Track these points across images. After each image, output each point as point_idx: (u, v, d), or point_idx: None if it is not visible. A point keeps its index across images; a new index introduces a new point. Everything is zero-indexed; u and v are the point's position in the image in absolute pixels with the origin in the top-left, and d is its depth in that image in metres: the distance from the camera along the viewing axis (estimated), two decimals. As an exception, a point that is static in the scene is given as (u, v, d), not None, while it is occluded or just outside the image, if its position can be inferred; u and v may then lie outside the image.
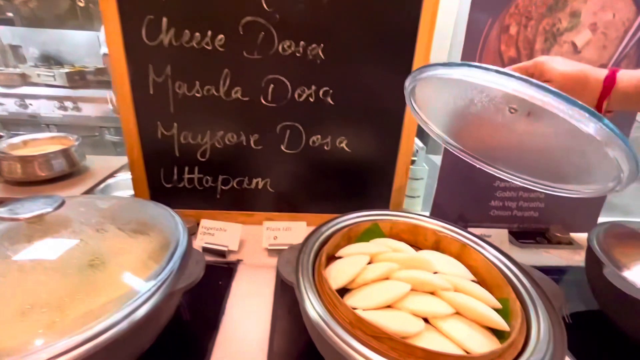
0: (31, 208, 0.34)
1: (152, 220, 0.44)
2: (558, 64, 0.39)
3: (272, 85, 0.62)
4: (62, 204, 0.36)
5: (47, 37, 2.74)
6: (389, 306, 0.36)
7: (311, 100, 0.64)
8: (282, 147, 0.67)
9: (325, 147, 0.68)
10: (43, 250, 0.34)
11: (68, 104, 2.24)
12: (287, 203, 0.72)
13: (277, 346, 0.45)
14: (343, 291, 0.39)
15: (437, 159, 0.75)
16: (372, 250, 0.43)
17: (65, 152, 0.58)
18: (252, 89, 0.63)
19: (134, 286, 0.34)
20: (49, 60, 2.75)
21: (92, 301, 0.32)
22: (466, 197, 0.71)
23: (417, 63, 0.61)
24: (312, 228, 0.48)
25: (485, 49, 0.61)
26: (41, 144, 0.62)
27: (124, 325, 0.30)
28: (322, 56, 0.61)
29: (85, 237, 0.37)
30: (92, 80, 2.48)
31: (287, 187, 0.71)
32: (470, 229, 0.65)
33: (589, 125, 0.30)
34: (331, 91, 0.63)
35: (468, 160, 0.51)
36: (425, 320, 0.35)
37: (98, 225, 0.39)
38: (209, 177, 0.69)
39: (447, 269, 0.42)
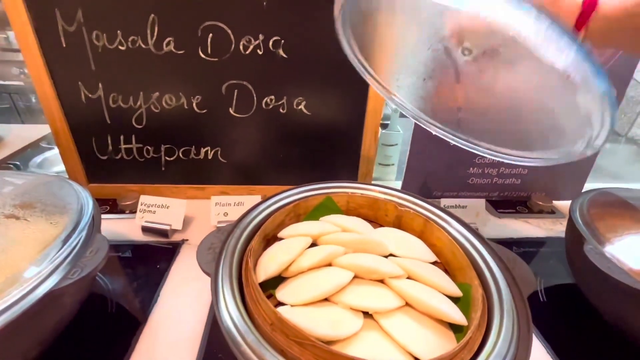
0: None
1: (53, 200, 0.36)
2: None
3: (210, 35, 0.52)
4: None
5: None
6: (326, 299, 0.30)
7: (259, 52, 0.54)
8: (231, 111, 0.58)
9: (281, 110, 0.59)
10: None
11: (26, 70, 2.05)
12: (242, 175, 0.64)
13: (212, 339, 0.39)
14: (279, 282, 0.33)
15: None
16: (316, 230, 0.37)
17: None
18: (187, 40, 0.52)
19: (16, 276, 0.27)
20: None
21: None
22: (442, 164, 0.64)
23: None
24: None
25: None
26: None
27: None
28: (269, -4, 0.50)
29: None
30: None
31: (241, 157, 0.63)
32: (445, 200, 0.59)
33: (559, 55, 0.21)
34: (282, 41, 0.53)
35: (422, 125, 0.42)
36: (370, 315, 0.29)
37: None
38: (149, 147, 0.60)
39: (405, 251, 0.36)
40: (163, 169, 0.62)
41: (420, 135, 0.61)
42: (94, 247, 0.33)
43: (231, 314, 0.27)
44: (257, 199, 0.58)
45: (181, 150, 0.61)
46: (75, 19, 0.49)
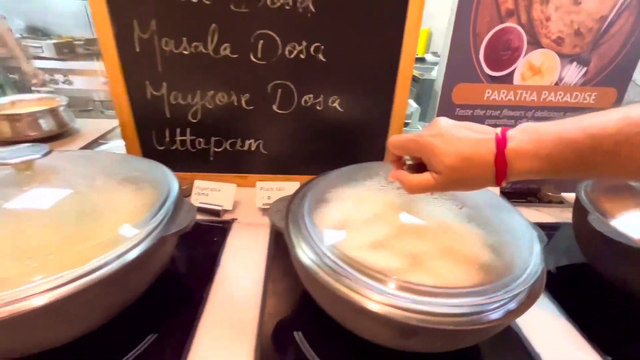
0: (19, 154, 0.34)
1: (143, 173, 0.44)
2: (443, 152, 0.30)
3: (261, 41, 0.60)
4: (49, 152, 0.36)
5: (30, 7, 2.63)
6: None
7: (302, 57, 0.62)
8: (274, 107, 0.66)
9: (318, 107, 0.67)
10: (35, 198, 0.35)
11: (58, 76, 2.19)
12: (280, 165, 0.72)
13: (270, 293, 0.46)
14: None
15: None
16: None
17: (53, 112, 0.57)
18: (241, 45, 0.61)
19: (127, 231, 0.34)
20: (36, 32, 2.65)
21: (86, 245, 0.33)
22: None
23: (411, 14, 0.59)
24: (302, 182, 0.48)
25: (482, 0, 0.59)
26: (29, 104, 0.61)
27: (117, 264, 0.31)
28: (313, 9, 0.58)
29: (76, 186, 0.37)
30: (82, 52, 2.40)
31: (280, 149, 0.71)
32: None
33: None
34: (322, 47, 0.61)
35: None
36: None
37: (88, 176, 0.39)
38: (201, 139, 0.69)
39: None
40: (211, 159, 0.70)
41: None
42: (185, 207, 0.41)
43: (307, 254, 0.34)
44: (296, 184, 0.66)
45: (228, 142, 0.69)
46: (149, 28, 0.58)
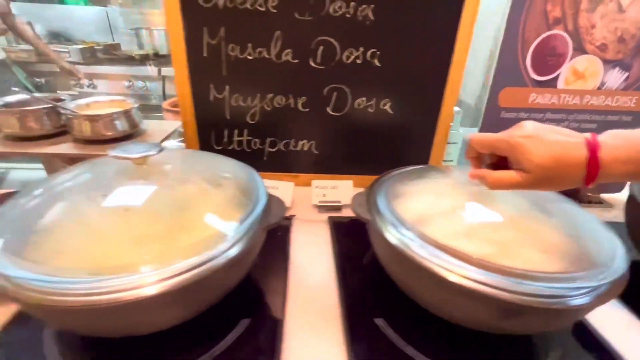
0: (138, 150, 0.38)
1: (234, 170, 0.48)
2: (534, 152, 0.32)
3: (321, 47, 0.64)
4: (162, 149, 0.39)
5: (53, 14, 2.70)
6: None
7: (358, 62, 0.65)
8: (328, 110, 0.70)
9: (369, 110, 0.70)
10: (148, 189, 0.38)
11: (84, 80, 2.24)
12: (330, 165, 0.75)
13: (344, 283, 0.49)
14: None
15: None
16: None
17: (127, 114, 0.61)
18: (302, 51, 0.64)
19: (230, 225, 0.37)
20: (58, 37, 2.72)
21: (196, 237, 0.35)
22: (503, 158, 0.74)
23: (464, 23, 0.62)
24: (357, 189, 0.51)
25: (531, 8, 0.62)
26: (101, 106, 0.65)
27: (223, 258, 0.34)
28: (372, 17, 0.62)
29: (182, 181, 0.40)
30: (103, 57, 2.46)
31: (331, 149, 0.74)
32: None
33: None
34: (378, 53, 0.65)
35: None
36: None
37: (192, 172, 0.42)
38: (257, 140, 0.72)
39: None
40: (265, 158, 0.74)
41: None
42: (275, 202, 0.44)
43: (395, 237, 0.37)
44: (349, 183, 0.70)
45: (283, 142, 0.73)
46: (218, 34, 0.62)
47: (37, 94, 0.66)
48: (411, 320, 0.44)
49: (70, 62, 2.22)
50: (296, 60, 0.65)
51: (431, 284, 0.36)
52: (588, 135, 0.33)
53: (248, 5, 0.60)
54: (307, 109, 0.70)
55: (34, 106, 0.64)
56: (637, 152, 0.31)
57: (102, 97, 0.65)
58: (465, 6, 0.61)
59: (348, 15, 0.62)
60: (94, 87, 2.26)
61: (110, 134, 0.60)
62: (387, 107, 0.70)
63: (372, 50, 0.65)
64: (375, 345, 0.41)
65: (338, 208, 0.68)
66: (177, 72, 0.64)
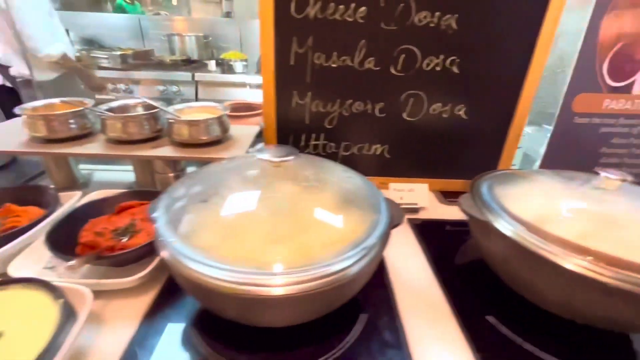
0: (278, 154, 0.41)
1: (351, 175, 0.50)
2: None
3: (403, 55, 0.67)
4: (298, 154, 0.42)
5: (87, 21, 2.79)
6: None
7: (437, 69, 0.68)
8: (404, 115, 0.72)
9: (444, 115, 0.72)
10: (287, 189, 0.41)
11: (120, 85, 2.32)
12: (401, 168, 0.77)
13: (446, 282, 0.51)
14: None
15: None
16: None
17: (220, 119, 0.64)
18: (384, 59, 0.67)
19: (363, 230, 0.39)
20: (92, 43, 2.82)
21: (330, 240, 0.37)
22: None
23: (544, 32, 0.64)
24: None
25: (611, 16, 0.64)
26: (194, 111, 0.68)
27: (360, 264, 0.36)
28: (455, 26, 0.64)
29: (313, 184, 0.43)
30: (139, 63, 2.53)
31: (403, 153, 0.76)
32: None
33: None
34: (458, 60, 0.67)
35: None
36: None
37: (323, 175, 0.44)
38: (332, 144, 0.75)
39: None
40: (339, 162, 0.76)
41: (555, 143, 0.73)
42: (394, 206, 0.46)
43: (509, 229, 0.39)
44: (425, 186, 0.72)
45: (357, 146, 0.75)
46: (305, 43, 0.65)
47: (137, 98, 0.70)
48: (522, 318, 0.45)
49: (107, 68, 2.31)
50: (378, 68, 0.68)
51: (565, 283, 0.37)
52: None
53: (337, 16, 0.63)
54: (383, 114, 0.72)
55: (132, 112, 0.68)
56: None
57: (194, 103, 0.69)
58: (547, 17, 0.63)
59: (432, 25, 0.64)
60: (130, 91, 2.34)
61: (205, 138, 0.63)
62: (461, 113, 0.72)
63: (452, 57, 0.67)
64: (494, 341, 0.43)
65: (415, 210, 0.70)
66: (265, 79, 0.68)
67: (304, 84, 0.69)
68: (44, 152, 0.61)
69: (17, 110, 0.62)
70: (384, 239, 0.39)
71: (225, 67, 2.42)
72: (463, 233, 0.66)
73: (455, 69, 0.68)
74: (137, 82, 2.36)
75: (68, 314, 0.35)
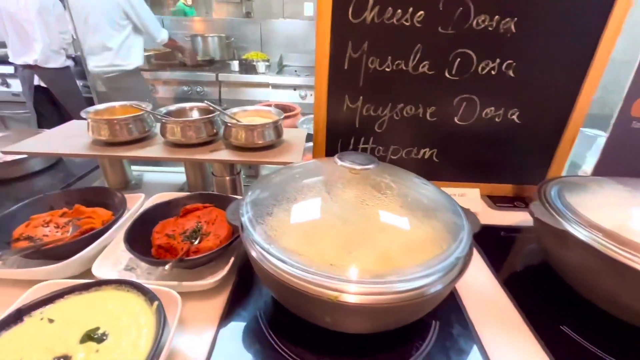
0: (359, 162, 0.41)
1: (424, 182, 0.50)
2: None
3: (458, 59, 0.66)
4: (378, 163, 0.42)
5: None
6: None
7: (493, 73, 0.67)
8: (456, 119, 0.72)
9: (497, 119, 0.71)
10: (368, 197, 0.41)
11: (149, 86, 2.36)
12: (449, 172, 0.77)
13: (511, 287, 0.51)
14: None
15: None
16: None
17: (275, 124, 0.65)
18: (439, 63, 0.67)
19: (450, 235, 0.39)
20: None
21: (413, 250, 0.37)
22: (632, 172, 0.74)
23: (606, 36, 0.63)
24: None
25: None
26: (248, 115, 0.69)
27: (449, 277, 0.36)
28: (514, 30, 0.63)
29: (396, 192, 0.43)
30: (160, 63, 2.56)
31: (452, 158, 0.76)
32: None
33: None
34: (514, 64, 0.66)
35: None
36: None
37: (403, 185, 0.44)
38: (380, 147, 0.75)
39: None
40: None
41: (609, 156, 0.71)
42: (471, 215, 0.46)
43: (590, 237, 0.39)
44: (476, 191, 0.71)
45: (405, 150, 0.75)
46: (361, 48, 0.66)
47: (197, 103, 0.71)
48: (598, 328, 0.45)
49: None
50: (432, 72, 0.67)
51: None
52: None
53: (394, 20, 0.63)
54: (434, 119, 0.72)
55: (188, 115, 0.69)
56: None
57: (248, 107, 0.70)
58: (610, 21, 0.62)
59: (490, 29, 0.63)
60: (156, 92, 2.38)
61: (260, 142, 0.64)
62: (514, 117, 0.71)
63: (509, 61, 0.66)
64: (572, 352, 0.42)
65: (467, 215, 0.69)
66: (318, 83, 0.68)
67: (357, 88, 0.69)
68: (109, 154, 0.63)
69: (82, 114, 0.64)
70: (470, 250, 0.39)
71: (247, 67, 2.44)
72: (519, 239, 0.65)
73: (511, 73, 0.67)
74: (162, 82, 2.40)
75: (164, 317, 0.36)
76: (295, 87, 2.30)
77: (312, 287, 0.32)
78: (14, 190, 0.85)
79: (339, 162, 0.41)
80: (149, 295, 0.38)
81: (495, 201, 0.76)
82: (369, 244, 0.37)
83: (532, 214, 0.48)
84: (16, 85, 2.31)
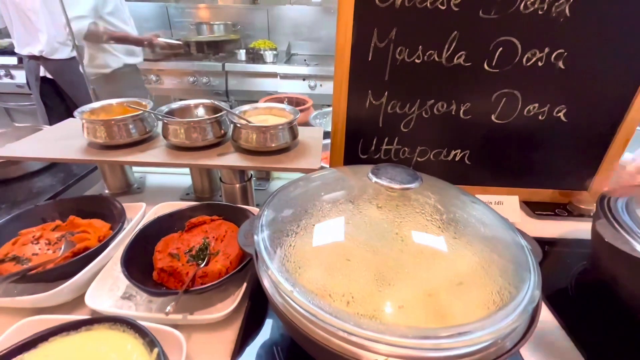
0: (398, 179, 0.34)
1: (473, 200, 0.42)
2: None
3: (500, 49, 0.57)
4: (422, 181, 0.35)
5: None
6: None
7: (539, 64, 0.58)
8: (493, 117, 0.63)
9: (540, 117, 0.63)
10: (412, 226, 0.34)
11: (152, 76, 2.29)
12: (481, 176, 0.69)
13: (560, 309, 0.44)
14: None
15: None
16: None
17: (291, 125, 0.58)
18: (478, 54, 0.58)
19: (514, 276, 0.32)
20: (120, 33, 2.79)
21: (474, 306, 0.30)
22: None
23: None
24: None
25: None
26: (259, 113, 0.62)
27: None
28: (568, 13, 0.54)
29: (440, 222, 0.35)
30: (165, 53, 2.48)
31: (486, 160, 0.68)
32: None
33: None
34: (566, 54, 0.57)
35: None
36: None
37: (448, 209, 0.37)
38: (406, 149, 0.67)
39: None
40: (411, 168, 0.69)
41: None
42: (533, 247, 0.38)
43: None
44: (515, 199, 0.63)
45: (433, 152, 0.67)
46: (387, 36, 0.57)
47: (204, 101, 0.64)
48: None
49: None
50: (468, 64, 0.59)
51: None
52: None
53: (428, 4, 0.55)
54: (468, 116, 0.64)
55: (193, 114, 0.62)
56: None
57: (259, 104, 0.63)
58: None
59: (540, 12, 0.54)
60: (161, 82, 2.31)
61: (273, 145, 0.57)
62: (561, 114, 0.62)
63: (559, 51, 0.57)
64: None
65: (505, 226, 0.62)
66: (337, 77, 0.60)
67: (382, 82, 0.61)
68: (104, 159, 0.57)
69: (75, 114, 0.57)
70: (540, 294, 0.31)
71: (254, 56, 2.35)
72: (566, 255, 0.58)
73: (560, 64, 0.58)
74: (168, 73, 2.32)
75: (165, 367, 0.30)
76: (304, 77, 2.21)
77: (351, 347, 0.25)
78: (11, 192, 0.80)
79: (374, 179, 0.34)
80: (147, 339, 0.32)
81: (534, 209, 0.68)
82: (416, 289, 0.30)
83: (597, 235, 0.40)
84: (20, 77, 2.27)
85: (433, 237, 0.32)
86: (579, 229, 0.64)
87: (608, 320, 0.44)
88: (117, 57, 1.77)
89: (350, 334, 0.25)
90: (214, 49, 2.53)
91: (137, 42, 1.80)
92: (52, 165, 0.88)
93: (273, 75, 2.24)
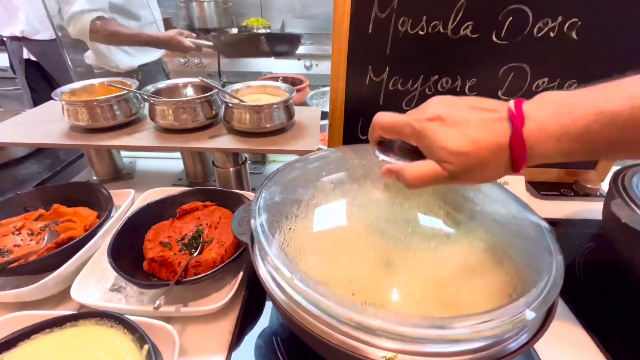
0: (410, 157, 0.31)
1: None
2: (445, 137, 0.25)
3: (510, 18, 0.53)
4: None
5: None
6: None
7: (551, 35, 0.54)
8: (499, 93, 0.60)
9: (549, 93, 0.59)
10: (424, 212, 0.31)
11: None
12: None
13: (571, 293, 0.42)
14: None
15: None
16: None
17: (286, 104, 0.54)
18: (486, 24, 0.54)
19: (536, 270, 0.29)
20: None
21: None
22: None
23: None
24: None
25: None
26: (252, 92, 0.58)
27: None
28: (585, -23, 0.50)
29: (456, 206, 0.33)
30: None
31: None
32: None
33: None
34: (580, 23, 0.53)
35: None
36: None
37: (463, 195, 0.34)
38: (408, 128, 0.64)
39: None
40: (414, 149, 0.66)
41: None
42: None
43: None
44: (521, 180, 0.61)
45: (436, 131, 0.64)
46: (389, 6, 0.53)
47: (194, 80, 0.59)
48: None
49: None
50: (475, 35, 0.55)
51: None
52: (512, 103, 0.25)
53: (434, -32, 0.50)
54: (474, 93, 0.60)
55: (182, 94, 0.58)
56: (580, 123, 0.23)
57: (252, 82, 0.59)
58: None
59: (555, -24, 0.50)
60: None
61: (268, 125, 0.54)
62: (572, 89, 0.59)
63: (573, 20, 0.53)
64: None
65: (510, 207, 0.60)
66: (335, 51, 0.56)
67: (382, 57, 0.57)
68: (88, 144, 0.53)
69: (54, 96, 0.53)
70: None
71: (248, 35, 2.25)
72: (574, 236, 0.56)
73: (573, 35, 0.54)
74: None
75: (156, 364, 0.28)
76: (299, 57, 2.13)
77: (359, 344, 0.23)
78: (-5, 180, 0.76)
79: (381, 157, 0.31)
80: (137, 335, 0.30)
81: (539, 189, 0.66)
82: (428, 280, 0.28)
83: (612, 216, 0.38)
84: (3, 60, 2.17)
85: (445, 219, 0.30)
86: (585, 209, 0.62)
87: (619, 302, 0.43)
88: (133, 56, 1.30)
89: (356, 324, 0.23)
90: (204, 28, 2.43)
91: (153, 42, 1.25)
92: (38, 151, 0.84)
93: (267, 54, 2.16)
